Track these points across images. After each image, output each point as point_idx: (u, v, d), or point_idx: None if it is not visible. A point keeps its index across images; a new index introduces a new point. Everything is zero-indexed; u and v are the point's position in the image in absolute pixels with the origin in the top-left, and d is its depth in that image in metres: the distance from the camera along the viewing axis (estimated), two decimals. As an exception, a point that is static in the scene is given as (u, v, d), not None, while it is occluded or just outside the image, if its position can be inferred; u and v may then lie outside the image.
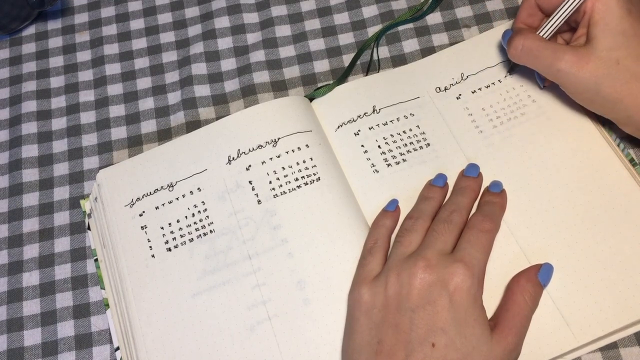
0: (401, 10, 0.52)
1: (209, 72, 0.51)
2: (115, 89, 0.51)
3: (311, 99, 0.48)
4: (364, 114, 0.46)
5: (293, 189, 0.43)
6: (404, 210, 0.42)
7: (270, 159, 0.44)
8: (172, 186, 0.44)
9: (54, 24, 0.55)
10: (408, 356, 0.33)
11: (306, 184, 0.43)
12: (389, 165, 0.44)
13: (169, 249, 0.42)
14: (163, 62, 0.52)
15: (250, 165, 0.44)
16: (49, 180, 0.48)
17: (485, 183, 0.42)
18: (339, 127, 0.46)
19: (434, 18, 0.51)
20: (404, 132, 0.45)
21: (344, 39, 0.52)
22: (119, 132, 0.49)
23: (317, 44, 0.52)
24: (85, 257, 0.45)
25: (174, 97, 0.51)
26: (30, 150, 0.49)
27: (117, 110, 0.50)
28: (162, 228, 0.43)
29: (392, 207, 0.42)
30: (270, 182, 0.43)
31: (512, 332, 0.34)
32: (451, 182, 0.43)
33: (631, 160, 0.42)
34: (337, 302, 0.39)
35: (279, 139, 0.44)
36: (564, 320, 0.38)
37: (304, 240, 0.41)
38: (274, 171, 0.43)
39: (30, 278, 0.44)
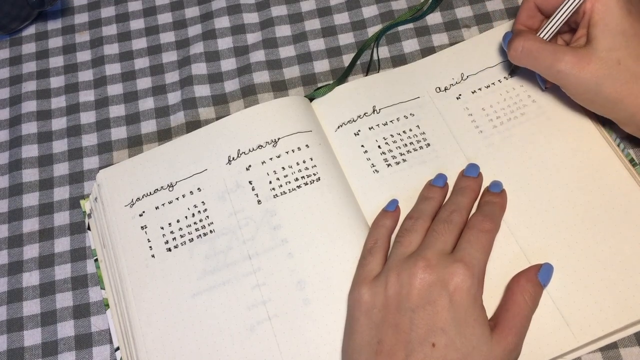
0: (401, 10, 0.52)
1: (209, 72, 0.51)
2: (115, 89, 0.51)
3: (311, 99, 0.48)
4: (364, 114, 0.46)
5: (293, 189, 0.43)
6: (404, 210, 0.42)
7: (270, 159, 0.44)
8: (172, 186, 0.44)
9: (54, 24, 0.55)
10: (408, 356, 0.33)
11: (306, 184, 0.43)
12: (389, 165, 0.44)
13: (169, 249, 0.42)
14: (163, 62, 0.52)
15: (250, 165, 0.44)
16: (49, 180, 0.48)
17: (485, 183, 0.42)
18: (339, 127, 0.46)
19: (434, 18, 0.51)
20: (404, 132, 0.45)
21: (344, 39, 0.52)
22: (119, 132, 0.49)
23: (317, 44, 0.52)
24: (85, 257, 0.45)
25: (174, 97, 0.51)
26: (30, 150, 0.49)
27: (117, 110, 0.50)
28: (162, 228, 0.43)
29: (392, 207, 0.42)
30: (270, 182, 0.43)
31: (512, 332, 0.34)
32: (451, 182, 0.43)
33: (631, 160, 0.42)
34: (337, 302, 0.39)
35: (279, 139, 0.44)
36: (564, 320, 0.38)
37: (304, 240, 0.41)
38: (274, 171, 0.43)
39: (30, 278, 0.44)
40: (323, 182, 0.43)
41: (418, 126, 0.45)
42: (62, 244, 0.45)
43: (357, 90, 0.47)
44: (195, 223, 0.43)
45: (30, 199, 0.47)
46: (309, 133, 0.45)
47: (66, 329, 0.43)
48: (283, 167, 0.44)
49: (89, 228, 0.45)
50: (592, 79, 0.39)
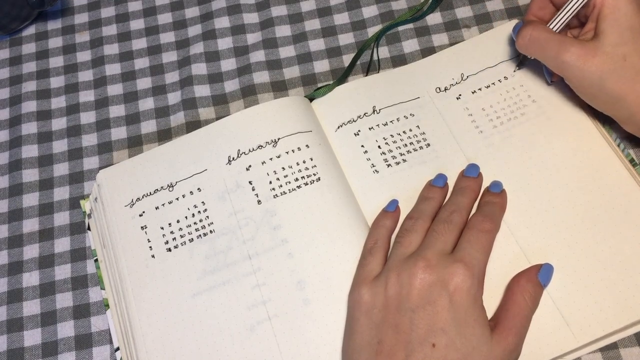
0: (401, 10, 0.52)
1: (209, 72, 0.51)
2: (115, 89, 0.51)
3: (311, 99, 0.48)
4: (364, 114, 0.46)
5: (293, 189, 0.43)
6: (404, 210, 0.42)
7: (270, 159, 0.44)
8: (172, 186, 0.44)
9: (54, 24, 0.55)
10: (408, 356, 0.33)
11: (306, 184, 0.43)
12: (389, 165, 0.44)
13: (169, 249, 0.42)
14: (163, 62, 0.52)
15: (250, 166, 0.44)
16: (49, 180, 0.48)
17: (485, 183, 0.42)
18: (339, 127, 0.46)
19: (434, 18, 0.51)
20: (404, 132, 0.45)
21: (344, 39, 0.52)
22: (119, 132, 0.49)
23: (317, 44, 0.52)
24: (85, 258, 0.45)
25: (174, 97, 0.51)
26: (30, 151, 0.49)
27: (117, 111, 0.50)
28: (162, 228, 0.43)
29: (392, 208, 0.42)
30: (270, 182, 0.43)
31: (512, 333, 0.34)
32: (451, 182, 0.43)
33: (631, 161, 0.42)
34: (337, 302, 0.39)
35: (279, 139, 0.44)
36: (564, 320, 0.38)
37: (304, 240, 0.41)
38: (274, 171, 0.43)
39: (30, 278, 0.44)
40: (323, 182, 0.43)
41: (418, 126, 0.45)
42: (62, 244, 0.45)
43: (357, 90, 0.47)
44: (195, 223, 0.43)
45: (30, 199, 0.47)
46: (309, 133, 0.45)
47: (66, 329, 0.43)
48: (283, 167, 0.44)
49: (89, 228, 0.45)
50: (597, 73, 0.39)
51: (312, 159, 0.44)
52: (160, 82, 0.52)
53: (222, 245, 0.42)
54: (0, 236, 0.46)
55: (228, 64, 0.52)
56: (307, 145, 0.44)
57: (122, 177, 0.45)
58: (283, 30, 0.52)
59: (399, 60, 0.50)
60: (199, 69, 0.51)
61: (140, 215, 0.44)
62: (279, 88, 0.50)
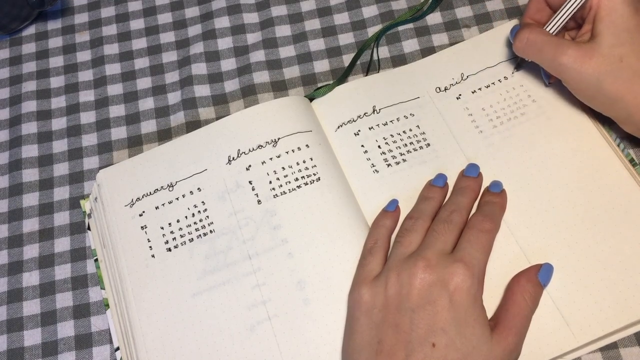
0: (401, 10, 0.52)
1: (209, 72, 0.51)
2: (115, 89, 0.51)
3: (311, 99, 0.48)
4: (364, 114, 0.46)
5: (293, 189, 0.43)
6: (404, 210, 0.42)
7: (270, 159, 0.44)
8: (172, 186, 0.44)
9: (54, 24, 0.55)
10: (408, 356, 0.33)
11: (306, 184, 0.43)
12: (389, 165, 0.44)
13: (169, 249, 0.42)
14: (163, 62, 0.52)
15: (250, 165, 0.44)
16: (49, 180, 0.48)
17: (485, 183, 0.42)
18: (339, 127, 0.46)
19: (434, 18, 0.51)
20: (404, 132, 0.45)
21: (344, 39, 0.52)
22: (119, 132, 0.49)
23: (317, 44, 0.52)
24: (85, 257, 0.45)
25: (174, 97, 0.51)
26: (30, 150, 0.49)
27: (117, 110, 0.50)
28: (162, 228, 0.43)
29: (392, 207, 0.42)
30: (270, 182, 0.43)
31: (512, 332, 0.34)
32: (451, 182, 0.43)
33: (631, 161, 0.42)
34: (337, 302, 0.39)
35: (279, 139, 0.44)
36: (564, 320, 0.38)
37: (304, 240, 0.41)
38: (274, 171, 0.43)
39: (30, 278, 0.44)
40: (323, 182, 0.43)
41: (418, 126, 0.45)
42: (62, 244, 0.45)
43: (357, 90, 0.47)
44: (195, 223, 0.43)
45: (30, 199, 0.47)
46: (309, 133, 0.45)
47: (66, 329, 0.43)
48: (283, 167, 0.44)
49: (89, 228, 0.45)
50: (594, 74, 0.39)
51: (312, 159, 0.44)
52: (160, 82, 0.52)
53: (222, 245, 0.42)
54: (0, 236, 0.46)
55: (228, 64, 0.52)
56: (307, 145, 0.44)
57: (122, 177, 0.45)
58: (283, 30, 0.52)
59: (399, 60, 0.50)
60: (199, 68, 0.51)
61: (140, 215, 0.44)
62: (279, 88, 0.50)
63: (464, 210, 0.39)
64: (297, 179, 0.43)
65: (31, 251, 0.45)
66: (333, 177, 0.43)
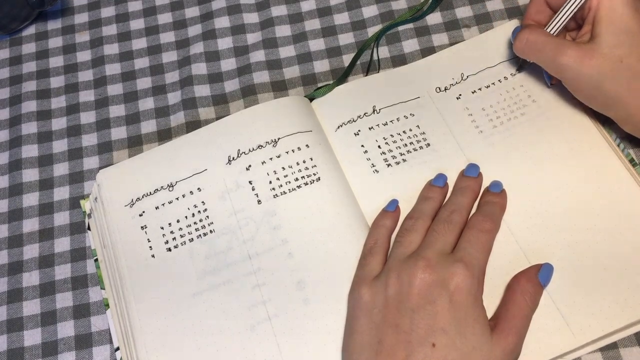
0: (401, 10, 0.52)
1: (209, 72, 0.51)
2: (115, 89, 0.51)
3: (311, 99, 0.48)
4: (364, 114, 0.46)
5: (293, 189, 0.43)
6: (404, 210, 0.42)
7: (270, 159, 0.44)
8: (172, 186, 0.44)
9: (54, 24, 0.55)
10: (408, 356, 0.33)
11: (306, 184, 0.43)
12: (389, 165, 0.44)
13: (169, 249, 0.42)
14: (163, 62, 0.52)
15: (250, 165, 0.44)
16: (49, 180, 0.48)
17: (485, 183, 0.42)
18: (339, 127, 0.46)
19: (434, 18, 0.51)
20: (404, 132, 0.45)
21: (344, 39, 0.52)
22: (119, 132, 0.49)
23: (317, 44, 0.52)
24: (85, 257, 0.45)
25: (174, 97, 0.51)
26: (30, 150, 0.49)
27: (117, 110, 0.50)
28: (162, 228, 0.43)
29: (392, 207, 0.42)
30: (270, 182, 0.43)
31: (512, 332, 0.34)
32: (451, 182, 0.43)
33: (631, 160, 0.42)
34: (337, 302, 0.39)
35: (279, 139, 0.44)
36: (564, 320, 0.38)
37: (304, 240, 0.41)
38: (274, 171, 0.43)
39: (30, 278, 0.44)
40: (323, 182, 0.43)
41: (418, 126, 0.45)
42: (62, 244, 0.45)
43: (357, 90, 0.47)
44: (195, 223, 0.43)
45: (30, 199, 0.47)
46: (309, 133, 0.45)
47: (66, 329, 0.43)
48: (283, 167, 0.44)
49: (89, 228, 0.45)
50: (594, 75, 0.39)
51: (312, 159, 0.44)
52: (160, 82, 0.52)
53: (222, 245, 0.42)
54: (0, 236, 0.46)
55: (228, 64, 0.52)
56: (307, 145, 0.44)
57: (122, 177, 0.45)
58: (283, 30, 0.52)
59: (399, 60, 0.50)
60: (199, 68, 0.51)
61: (140, 215, 0.44)
62: (279, 88, 0.50)
63: (464, 210, 0.39)
64: (297, 179, 0.43)
65: (31, 251, 0.45)
66: (333, 177, 0.43)
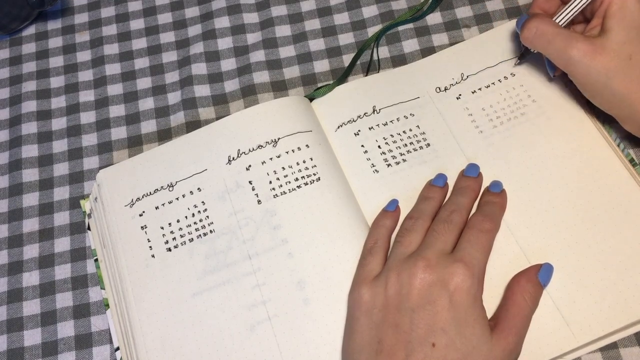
0: (401, 10, 0.52)
1: (209, 72, 0.51)
2: (115, 89, 0.51)
3: (311, 99, 0.48)
4: (364, 114, 0.46)
5: (293, 189, 0.43)
6: (404, 210, 0.42)
7: (270, 159, 0.44)
8: (172, 186, 0.44)
9: (54, 24, 0.55)
10: (408, 356, 0.33)
11: (306, 184, 0.43)
12: (389, 165, 0.44)
13: (169, 249, 0.42)
14: (163, 62, 0.52)
15: (250, 165, 0.44)
16: (49, 180, 0.48)
17: (485, 183, 0.42)
18: (339, 127, 0.46)
19: (434, 18, 0.51)
20: (404, 132, 0.45)
21: (344, 39, 0.52)
22: (119, 132, 0.49)
23: (317, 44, 0.52)
24: (85, 257, 0.45)
25: (174, 97, 0.51)
26: (30, 150, 0.49)
27: (117, 110, 0.50)
28: (162, 228, 0.43)
29: (392, 207, 0.42)
30: (270, 182, 0.43)
31: (512, 332, 0.34)
32: (451, 182, 0.43)
33: (631, 160, 0.42)
34: (337, 302, 0.39)
35: (279, 139, 0.44)
36: (564, 320, 0.38)
37: (304, 240, 0.41)
38: (274, 171, 0.43)
39: (30, 278, 0.44)
40: (323, 182, 0.43)
41: (418, 126, 0.45)
42: (62, 244, 0.45)
43: (357, 90, 0.47)
44: (195, 223, 0.43)
45: (30, 199, 0.47)
46: (309, 133, 0.45)
47: (66, 329, 0.43)
48: (283, 167, 0.44)
49: (89, 228, 0.45)
50: (603, 71, 0.38)
51: (312, 159, 0.44)
52: (160, 82, 0.52)
53: (222, 245, 0.42)
54: (0, 236, 0.46)
55: (228, 64, 0.52)
56: (307, 145, 0.44)
57: (122, 177, 0.45)
58: (283, 30, 0.52)
59: (399, 60, 0.50)
60: (199, 68, 0.51)
61: (140, 215, 0.44)
62: (279, 88, 0.50)
63: (464, 210, 0.39)
64: (297, 179, 0.43)
65: (31, 251, 0.45)
66: (333, 177, 0.43)
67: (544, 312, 0.38)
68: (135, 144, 0.49)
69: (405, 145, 0.45)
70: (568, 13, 0.42)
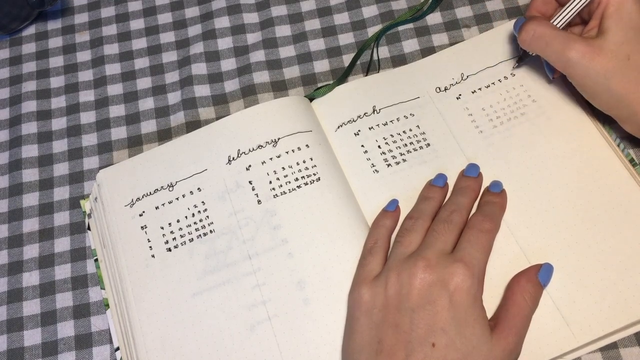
0: (401, 10, 0.52)
1: (209, 72, 0.51)
2: (115, 89, 0.51)
3: (311, 99, 0.48)
4: (364, 114, 0.46)
5: (293, 189, 0.43)
6: (404, 210, 0.42)
7: (270, 159, 0.44)
8: (172, 186, 0.44)
9: (54, 24, 0.55)
10: (408, 356, 0.33)
11: (306, 184, 0.43)
12: (389, 165, 0.44)
13: (169, 249, 0.42)
14: (163, 62, 0.52)
15: (250, 165, 0.44)
16: (49, 180, 0.48)
17: (485, 183, 0.42)
18: (339, 127, 0.46)
19: (434, 18, 0.51)
20: (404, 132, 0.45)
21: (344, 39, 0.52)
22: (119, 132, 0.49)
23: (317, 44, 0.52)
24: (85, 257, 0.45)
25: (174, 97, 0.51)
26: (30, 150, 0.49)
27: (117, 110, 0.50)
28: (162, 228, 0.43)
29: (392, 207, 0.42)
30: (270, 182, 0.43)
31: (512, 332, 0.34)
32: (451, 182, 0.43)
33: (631, 160, 0.42)
34: (337, 302, 0.39)
35: (279, 139, 0.44)
36: (564, 320, 0.38)
37: (304, 240, 0.41)
38: (274, 171, 0.43)
39: (30, 278, 0.44)
40: (323, 182, 0.43)
41: (418, 126, 0.45)
42: (62, 244, 0.45)
43: (357, 90, 0.47)
44: (195, 223, 0.43)
45: (30, 199, 0.47)
46: (309, 133, 0.45)
47: (66, 329, 0.43)
48: (283, 167, 0.44)
49: (89, 228, 0.45)
50: (601, 71, 0.38)
51: (312, 159, 0.44)
52: (160, 82, 0.52)
53: (222, 245, 0.42)
54: (0, 236, 0.46)
55: (228, 64, 0.52)
56: (307, 145, 0.44)
57: (122, 177, 0.45)
58: (283, 30, 0.52)
59: (399, 60, 0.50)
60: (199, 68, 0.51)
61: (140, 215, 0.44)
62: (279, 88, 0.50)
63: (464, 210, 0.39)
64: (297, 179, 0.43)
65: (31, 251, 0.45)
66: (333, 177, 0.43)
67: (544, 312, 0.38)
68: (135, 144, 0.49)
69: (405, 145, 0.45)
70: (565, 15, 0.42)
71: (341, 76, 0.49)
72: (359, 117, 0.46)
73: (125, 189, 0.45)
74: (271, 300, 0.40)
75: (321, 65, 0.51)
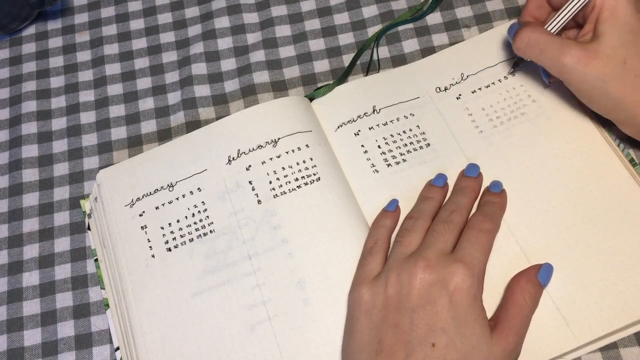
0: (401, 10, 0.52)
1: (209, 72, 0.51)
2: (115, 89, 0.51)
3: (311, 99, 0.48)
4: (364, 114, 0.46)
5: (293, 189, 0.43)
6: (404, 210, 0.42)
7: (270, 159, 0.44)
8: (172, 186, 0.44)
9: (54, 24, 0.55)
10: (408, 356, 0.33)
11: (306, 184, 0.43)
12: (389, 165, 0.44)
13: (169, 249, 0.42)
14: (163, 62, 0.52)
15: (250, 165, 0.44)
16: (49, 180, 0.48)
17: (485, 183, 0.42)
18: (339, 127, 0.46)
19: (434, 18, 0.51)
20: (404, 132, 0.45)
21: (344, 39, 0.52)
22: (119, 132, 0.49)
23: (317, 44, 0.52)
24: (85, 257, 0.45)
25: (174, 97, 0.51)
26: (30, 150, 0.49)
27: (117, 110, 0.50)
28: (162, 228, 0.43)
29: (392, 207, 0.42)
30: (270, 182, 0.43)
31: (512, 332, 0.34)
32: (451, 182, 0.43)
33: (631, 161, 0.42)
34: (337, 302, 0.39)
35: (279, 139, 0.44)
36: (564, 320, 0.38)
37: (304, 240, 0.41)
38: (274, 171, 0.43)
39: (30, 278, 0.44)
40: (323, 182, 0.43)
41: (418, 126, 0.45)
42: (62, 244, 0.45)
43: (357, 90, 0.47)
44: (195, 223, 0.43)
45: (30, 199, 0.47)
46: (309, 133, 0.45)
47: (66, 329, 0.43)
48: (283, 167, 0.44)
49: (89, 228, 0.45)
50: (598, 76, 0.38)
51: (312, 159, 0.44)
52: (160, 82, 0.52)
53: (222, 245, 0.42)
54: (0, 236, 0.46)
55: (228, 64, 0.52)
56: (307, 145, 0.44)
57: (122, 177, 0.45)
58: (283, 30, 0.52)
59: (399, 60, 0.50)
60: (199, 68, 0.51)
61: (140, 215, 0.44)
62: (279, 88, 0.50)
63: (464, 210, 0.39)
64: (297, 179, 0.43)
65: (31, 251, 0.45)
66: (333, 177, 0.43)
67: (544, 312, 0.38)
68: (135, 144, 0.49)
69: (405, 145, 0.45)
70: (560, 20, 0.41)
71: (341, 76, 0.49)
72: (359, 117, 0.46)
73: (125, 189, 0.45)
74: (271, 300, 0.40)
75: (321, 65, 0.51)
